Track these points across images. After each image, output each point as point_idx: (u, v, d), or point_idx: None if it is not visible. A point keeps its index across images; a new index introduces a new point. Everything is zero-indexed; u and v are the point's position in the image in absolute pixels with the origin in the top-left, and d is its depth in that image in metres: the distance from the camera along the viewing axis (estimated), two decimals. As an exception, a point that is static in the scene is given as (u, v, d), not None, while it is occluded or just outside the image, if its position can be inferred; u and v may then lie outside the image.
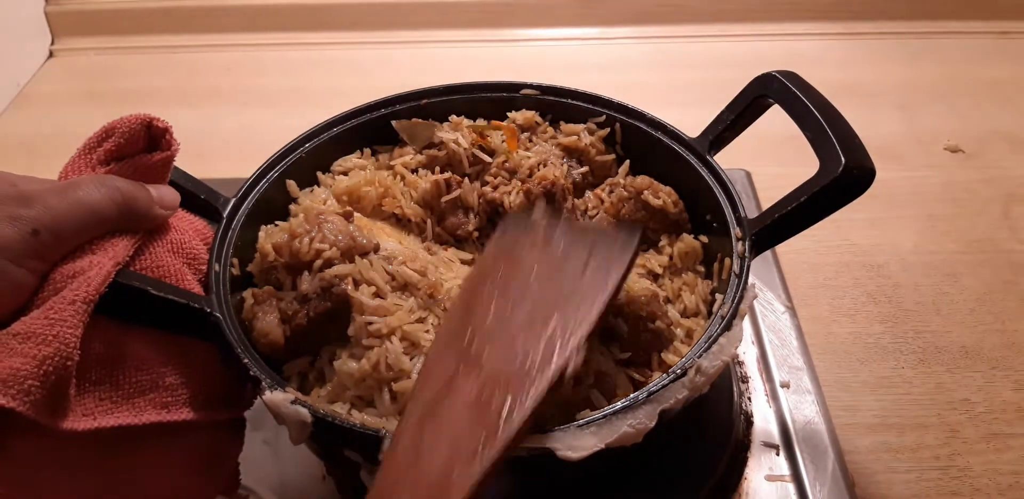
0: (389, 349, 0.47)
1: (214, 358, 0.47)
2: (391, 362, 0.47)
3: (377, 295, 0.50)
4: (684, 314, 0.54)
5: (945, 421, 0.65)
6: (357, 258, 0.51)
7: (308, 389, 0.49)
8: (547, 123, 0.65)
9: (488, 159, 0.61)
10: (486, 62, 1.12)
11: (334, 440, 0.45)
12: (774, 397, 0.66)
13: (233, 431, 0.50)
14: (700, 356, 0.45)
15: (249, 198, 0.56)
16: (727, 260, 0.53)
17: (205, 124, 0.99)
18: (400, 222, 0.60)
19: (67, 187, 0.43)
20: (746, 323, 0.70)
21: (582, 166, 0.63)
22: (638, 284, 0.53)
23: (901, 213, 0.85)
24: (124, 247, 0.44)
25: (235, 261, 0.53)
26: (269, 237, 0.55)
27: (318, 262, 0.51)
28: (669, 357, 0.49)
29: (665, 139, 0.60)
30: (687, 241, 0.57)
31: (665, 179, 0.60)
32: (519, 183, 0.60)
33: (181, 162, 0.51)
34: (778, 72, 0.55)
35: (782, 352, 0.69)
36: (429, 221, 0.59)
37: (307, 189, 0.60)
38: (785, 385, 0.66)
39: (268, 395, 0.44)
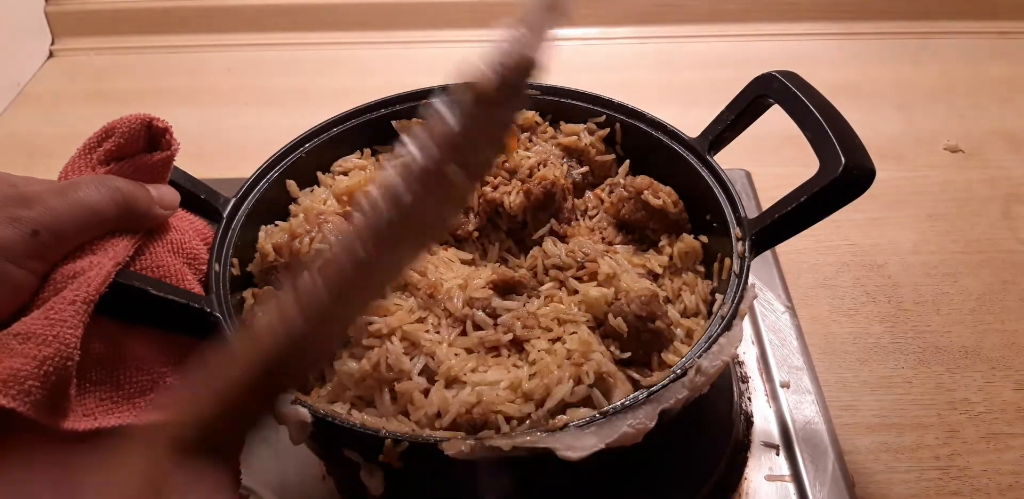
0: (389, 349, 0.47)
1: (214, 358, 0.47)
2: (391, 362, 0.47)
3: (377, 295, 0.50)
4: (684, 314, 0.53)
5: (945, 421, 0.65)
6: (357, 258, 0.51)
7: (308, 389, 0.49)
8: (547, 123, 0.65)
9: (488, 159, 0.61)
10: (486, 62, 1.11)
11: (334, 440, 0.45)
12: (774, 397, 0.66)
13: (233, 431, 0.50)
14: (700, 356, 0.45)
15: (249, 198, 0.56)
16: (727, 260, 0.53)
17: (205, 124, 0.99)
18: (400, 222, 0.60)
19: (67, 187, 0.43)
20: (746, 323, 0.70)
21: (582, 166, 0.63)
22: (638, 284, 0.53)
23: (901, 213, 0.85)
24: (124, 247, 0.44)
25: (235, 261, 0.53)
26: (269, 237, 0.55)
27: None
28: (669, 357, 0.49)
29: (665, 139, 0.60)
30: (687, 241, 0.57)
31: (665, 179, 0.60)
32: (519, 183, 0.60)
33: (181, 162, 0.51)
34: (778, 72, 0.55)
35: (782, 352, 0.69)
36: (429, 221, 0.59)
37: (307, 189, 0.60)
38: (785, 385, 0.66)
39: (268, 395, 0.44)
